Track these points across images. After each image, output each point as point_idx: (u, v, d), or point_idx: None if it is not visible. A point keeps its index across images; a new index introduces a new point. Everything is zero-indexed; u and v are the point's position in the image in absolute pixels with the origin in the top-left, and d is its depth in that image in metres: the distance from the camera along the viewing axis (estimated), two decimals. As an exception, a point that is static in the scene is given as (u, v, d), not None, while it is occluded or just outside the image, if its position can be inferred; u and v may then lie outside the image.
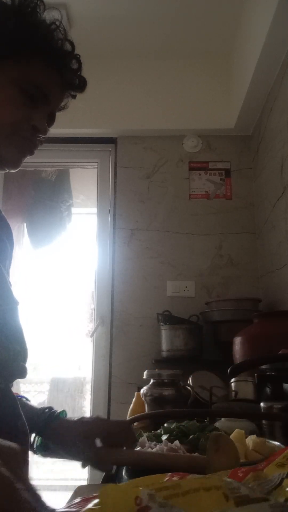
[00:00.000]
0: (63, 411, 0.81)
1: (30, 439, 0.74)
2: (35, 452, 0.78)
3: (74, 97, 0.86)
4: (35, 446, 0.78)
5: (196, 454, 0.79)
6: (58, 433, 0.76)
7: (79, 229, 2.89)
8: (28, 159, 0.81)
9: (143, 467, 0.67)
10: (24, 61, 0.74)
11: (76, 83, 0.83)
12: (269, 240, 2.18)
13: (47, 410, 0.80)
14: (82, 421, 0.77)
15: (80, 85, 0.84)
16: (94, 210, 2.60)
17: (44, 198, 2.74)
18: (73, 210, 2.80)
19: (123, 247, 2.44)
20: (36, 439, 0.78)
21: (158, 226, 2.46)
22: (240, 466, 0.48)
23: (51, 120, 0.82)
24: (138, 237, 2.45)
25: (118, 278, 2.40)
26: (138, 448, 0.82)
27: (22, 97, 0.73)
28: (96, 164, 2.66)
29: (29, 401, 0.84)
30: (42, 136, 0.78)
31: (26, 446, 0.71)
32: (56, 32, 0.77)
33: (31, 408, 0.81)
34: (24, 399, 0.83)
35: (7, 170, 0.79)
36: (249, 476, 0.43)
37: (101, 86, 2.52)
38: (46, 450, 0.78)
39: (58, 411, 0.81)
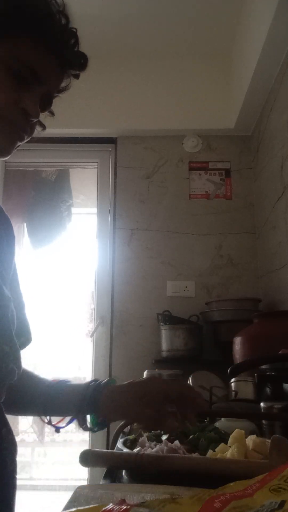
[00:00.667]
0: (112, 379, 0.78)
1: (16, 452, 0.68)
2: (92, 430, 0.76)
3: (76, 76, 0.75)
4: (90, 426, 0.74)
5: (196, 454, 0.79)
6: (110, 400, 0.72)
7: (79, 229, 2.89)
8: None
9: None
10: (12, 39, 0.66)
11: (75, 61, 0.73)
12: (269, 240, 2.18)
13: (92, 383, 0.76)
14: (135, 382, 0.73)
15: (81, 62, 0.74)
16: (94, 210, 2.60)
17: (44, 198, 2.74)
18: (73, 210, 2.79)
19: (123, 247, 2.44)
20: (90, 418, 0.74)
21: (158, 226, 2.46)
22: None
23: (47, 103, 0.73)
24: (138, 237, 2.45)
25: (118, 278, 2.40)
26: (138, 449, 0.82)
27: (8, 77, 0.66)
28: (96, 164, 2.66)
29: (70, 381, 0.80)
30: (35, 120, 0.70)
31: (12, 455, 0.67)
32: (51, 5, 0.68)
33: (76, 386, 0.77)
34: (65, 381, 0.80)
35: None
36: (230, 507, 0.33)
37: (101, 86, 2.52)
38: (102, 426, 0.75)
39: (105, 380, 0.77)
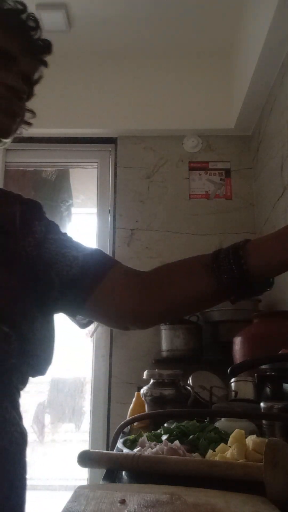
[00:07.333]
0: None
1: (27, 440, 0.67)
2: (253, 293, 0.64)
3: (43, 63, 0.81)
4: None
5: (196, 454, 0.79)
6: (260, 242, 0.63)
7: (79, 229, 2.89)
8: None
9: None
10: None
11: (39, 44, 0.79)
12: (269, 240, 2.18)
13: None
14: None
15: (44, 45, 0.80)
16: (94, 210, 2.60)
17: (44, 198, 2.74)
18: (73, 210, 2.79)
19: (123, 247, 2.44)
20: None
21: (158, 226, 2.46)
22: None
23: (27, 84, 0.78)
24: (138, 237, 2.45)
25: (118, 278, 2.40)
26: (138, 449, 0.82)
27: None
28: (96, 164, 2.66)
29: None
30: (22, 95, 0.75)
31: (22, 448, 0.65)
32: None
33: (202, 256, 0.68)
34: None
35: (1, 140, 0.76)
36: None
37: (101, 86, 2.52)
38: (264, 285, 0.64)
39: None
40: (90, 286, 0.71)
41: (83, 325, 0.79)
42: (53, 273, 0.72)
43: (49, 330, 0.74)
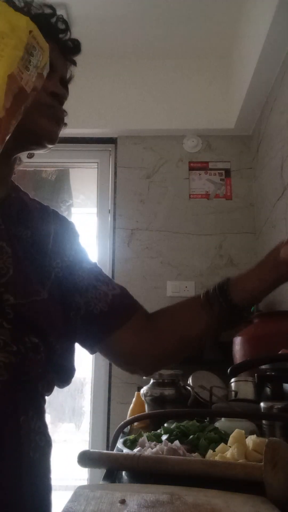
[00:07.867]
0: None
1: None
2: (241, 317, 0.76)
3: (74, 63, 0.83)
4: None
5: (196, 454, 0.79)
6: (242, 276, 0.75)
7: (79, 229, 2.89)
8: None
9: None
10: None
11: (70, 45, 0.81)
12: (269, 240, 2.18)
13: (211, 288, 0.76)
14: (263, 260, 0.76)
15: (75, 46, 0.81)
16: (94, 210, 2.60)
17: (44, 198, 2.74)
18: (73, 210, 2.79)
19: (123, 247, 2.44)
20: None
21: (158, 226, 2.46)
22: None
23: (65, 88, 0.81)
24: (138, 237, 2.45)
25: (118, 278, 2.40)
26: (138, 449, 0.82)
27: None
28: (96, 164, 2.66)
29: None
30: (64, 100, 0.79)
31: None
32: (32, 4, 0.77)
33: (193, 300, 0.80)
34: None
35: (47, 145, 0.79)
36: None
37: (101, 86, 2.52)
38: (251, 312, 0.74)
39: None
40: (109, 331, 0.76)
41: (92, 351, 0.83)
42: (82, 301, 0.76)
43: (72, 343, 0.77)
